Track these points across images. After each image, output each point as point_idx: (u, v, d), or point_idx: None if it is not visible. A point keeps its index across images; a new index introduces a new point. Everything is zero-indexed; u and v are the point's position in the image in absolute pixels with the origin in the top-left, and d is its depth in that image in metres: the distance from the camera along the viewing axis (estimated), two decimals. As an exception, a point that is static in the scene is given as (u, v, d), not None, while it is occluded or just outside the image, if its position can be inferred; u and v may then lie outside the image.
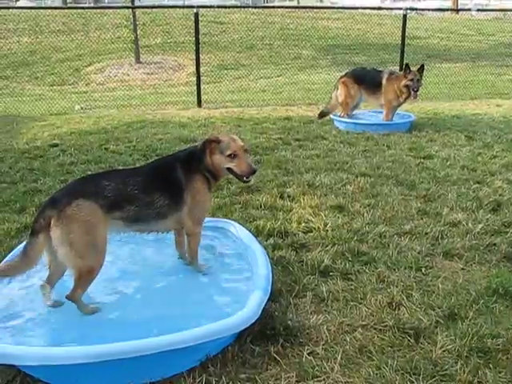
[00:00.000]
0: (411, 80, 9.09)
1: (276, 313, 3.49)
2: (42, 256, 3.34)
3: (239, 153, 3.76)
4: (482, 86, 16.08)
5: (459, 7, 46.18)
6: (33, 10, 24.10)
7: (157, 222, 3.73)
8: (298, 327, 3.36)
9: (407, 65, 9.49)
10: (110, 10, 23.83)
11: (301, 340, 3.26)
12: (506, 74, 19.28)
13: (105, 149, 8.01)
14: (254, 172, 3.80)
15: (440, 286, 3.90)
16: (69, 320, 3.34)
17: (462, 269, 4.22)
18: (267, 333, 3.29)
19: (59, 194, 3.42)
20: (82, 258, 3.26)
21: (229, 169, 3.80)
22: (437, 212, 5.34)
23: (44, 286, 3.50)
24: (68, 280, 3.45)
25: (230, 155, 3.75)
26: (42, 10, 24.81)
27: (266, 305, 3.32)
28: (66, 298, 3.37)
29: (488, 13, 36.48)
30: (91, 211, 3.31)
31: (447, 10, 38.94)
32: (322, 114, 10.19)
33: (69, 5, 43.44)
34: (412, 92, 9.15)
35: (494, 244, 4.61)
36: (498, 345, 3.17)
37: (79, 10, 25.84)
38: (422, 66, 9.29)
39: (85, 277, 3.32)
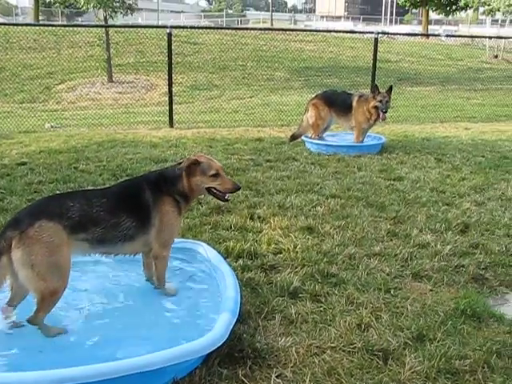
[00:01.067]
0: (380, 101, 9.18)
1: (244, 335, 3.45)
2: (7, 278, 3.27)
3: (221, 172, 3.83)
4: (451, 110, 16.37)
5: (429, 32, 47.20)
6: (3, 26, 23.85)
7: (123, 245, 3.67)
8: (266, 349, 3.33)
9: (376, 86, 9.62)
10: (83, 28, 23.79)
11: (269, 362, 3.23)
12: (474, 98, 19.70)
13: (74, 168, 7.91)
14: (238, 188, 3.96)
15: (409, 307, 3.91)
16: (30, 343, 3.25)
17: (431, 290, 4.24)
18: (235, 355, 3.25)
19: (22, 215, 3.35)
20: (45, 280, 3.19)
21: (208, 189, 3.81)
22: (406, 233, 5.37)
23: (5, 308, 3.42)
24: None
25: (213, 175, 3.78)
26: (12, 27, 24.58)
27: (234, 327, 3.29)
28: (28, 321, 3.29)
29: (457, 38, 37.36)
30: (54, 232, 3.24)
31: (418, 34, 39.75)
32: (293, 137, 10.21)
33: (41, 22, 43.23)
34: (381, 113, 9.24)
35: (462, 265, 4.65)
36: (466, 366, 3.19)
37: (51, 28, 25.67)
38: (391, 87, 9.42)
39: (47, 299, 3.24)
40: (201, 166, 3.79)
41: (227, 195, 3.91)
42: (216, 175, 3.80)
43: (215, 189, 3.84)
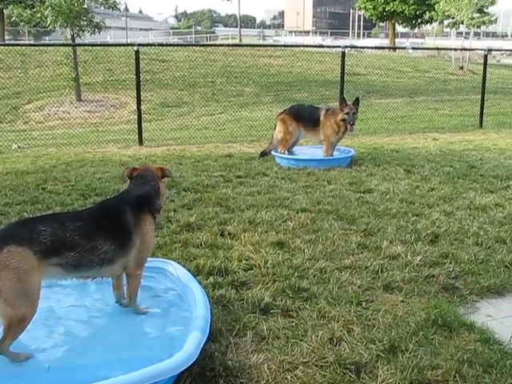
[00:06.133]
0: (347, 114, 9.22)
1: (216, 353, 3.42)
2: None
3: None
4: (419, 121, 16.58)
5: (396, 45, 47.91)
6: (-32, 47, 23.56)
7: (102, 268, 3.57)
8: (238, 367, 3.29)
9: (343, 98, 9.69)
10: (51, 47, 23.61)
11: (241, 380, 3.19)
12: (442, 108, 20.01)
13: (42, 189, 7.77)
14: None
15: (380, 319, 3.91)
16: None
17: (402, 301, 4.25)
18: (207, 374, 3.21)
19: None
20: (13, 306, 3.10)
21: None
22: (376, 245, 5.38)
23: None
24: None
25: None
26: (-23, 47, 24.29)
27: (205, 345, 3.26)
28: None
29: (423, 51, 38.02)
30: (24, 258, 3.14)
31: (385, 47, 40.38)
32: (264, 153, 10.21)
33: (7, 41, 42.82)
34: (348, 125, 9.30)
35: (433, 275, 4.67)
36: (438, 376, 3.20)
37: (18, 47, 25.39)
38: (357, 99, 9.46)
39: (15, 326, 3.15)
40: (166, 172, 4.09)
41: None
42: None
43: None
